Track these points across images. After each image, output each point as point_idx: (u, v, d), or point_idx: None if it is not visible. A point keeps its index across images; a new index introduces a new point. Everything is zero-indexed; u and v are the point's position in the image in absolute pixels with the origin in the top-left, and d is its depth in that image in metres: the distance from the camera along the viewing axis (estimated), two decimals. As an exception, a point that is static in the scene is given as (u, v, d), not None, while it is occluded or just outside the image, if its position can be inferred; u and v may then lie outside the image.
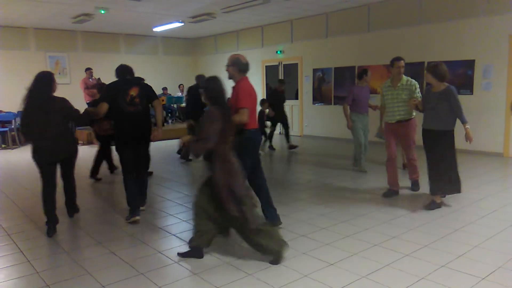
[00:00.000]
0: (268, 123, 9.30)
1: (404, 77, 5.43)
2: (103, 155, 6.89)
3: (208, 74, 12.95)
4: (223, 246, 3.89)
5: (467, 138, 4.78)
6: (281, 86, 9.57)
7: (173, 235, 4.26)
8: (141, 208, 4.95)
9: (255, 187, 4.24)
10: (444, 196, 5.06)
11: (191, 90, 8.18)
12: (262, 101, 9.01)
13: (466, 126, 4.76)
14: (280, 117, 9.32)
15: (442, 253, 3.62)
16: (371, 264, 3.43)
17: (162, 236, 4.25)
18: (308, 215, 4.76)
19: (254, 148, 4.21)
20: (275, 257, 3.49)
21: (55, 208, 4.44)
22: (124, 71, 4.98)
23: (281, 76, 12.68)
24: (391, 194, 5.46)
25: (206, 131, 3.37)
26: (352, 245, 3.83)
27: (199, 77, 8.23)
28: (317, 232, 4.19)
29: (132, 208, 4.69)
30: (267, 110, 8.91)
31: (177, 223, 4.64)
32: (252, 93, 4.09)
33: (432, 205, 4.85)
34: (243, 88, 4.01)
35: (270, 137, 9.47)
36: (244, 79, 4.11)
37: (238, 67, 4.08)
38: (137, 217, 4.65)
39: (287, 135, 9.46)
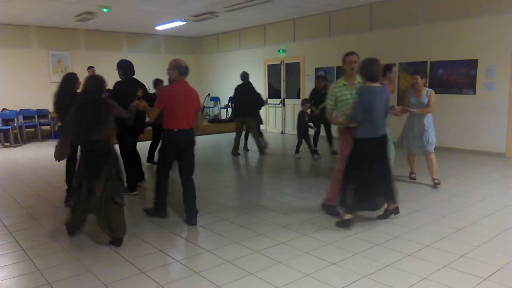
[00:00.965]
0: (311, 124, 8.48)
1: (356, 75, 4.61)
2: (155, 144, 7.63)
3: (210, 72, 12.87)
4: (224, 245, 3.89)
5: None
6: (320, 83, 8.73)
7: (175, 234, 4.26)
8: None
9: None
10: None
11: (240, 89, 8.50)
12: (303, 102, 8.44)
13: (338, 119, 4.52)
14: (320, 118, 8.15)
15: (444, 253, 3.61)
16: (373, 264, 3.42)
17: (163, 235, 4.24)
18: (311, 215, 4.76)
19: (169, 146, 4.50)
20: (115, 240, 3.90)
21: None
22: (130, 70, 5.71)
23: (283, 76, 12.67)
24: (330, 210, 4.74)
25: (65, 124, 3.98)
26: (354, 245, 3.82)
27: (245, 75, 8.74)
28: (319, 232, 4.18)
29: (130, 183, 5.64)
30: (308, 111, 8.29)
31: (178, 221, 4.63)
32: (175, 95, 4.39)
33: (342, 223, 4.30)
34: (165, 90, 4.52)
35: (315, 141, 8.61)
36: (177, 82, 4.50)
37: (179, 71, 4.48)
38: (135, 193, 5.73)
39: (316, 138, 8.68)
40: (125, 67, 5.67)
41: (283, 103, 12.71)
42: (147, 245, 3.94)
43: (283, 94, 12.76)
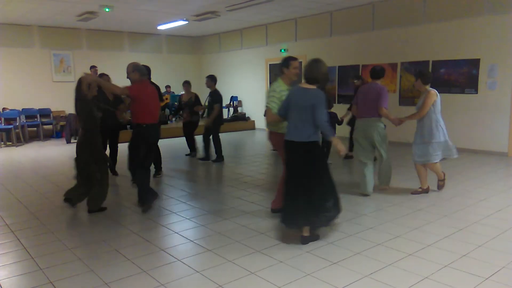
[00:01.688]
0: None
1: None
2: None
3: (212, 72, 12.93)
4: (226, 244, 3.90)
5: None
6: (356, 81, 8.03)
7: (176, 233, 4.26)
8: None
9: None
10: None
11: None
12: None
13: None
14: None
15: (446, 252, 3.60)
16: (374, 263, 3.42)
17: (165, 234, 4.25)
18: (311, 214, 4.75)
19: (151, 138, 5.06)
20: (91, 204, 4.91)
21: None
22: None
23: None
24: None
25: None
26: (355, 244, 3.82)
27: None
28: (320, 231, 4.17)
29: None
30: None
31: (180, 221, 4.64)
32: (144, 91, 4.97)
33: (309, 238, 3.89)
34: (133, 85, 4.98)
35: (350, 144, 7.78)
36: (141, 81, 5.02)
37: (140, 72, 5.00)
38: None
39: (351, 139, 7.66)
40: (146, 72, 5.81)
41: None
42: (149, 244, 3.95)
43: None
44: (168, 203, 5.36)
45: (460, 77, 8.54)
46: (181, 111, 8.87)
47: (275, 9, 10.35)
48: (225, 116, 14.49)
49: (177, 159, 8.47)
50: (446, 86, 8.69)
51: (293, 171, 3.88)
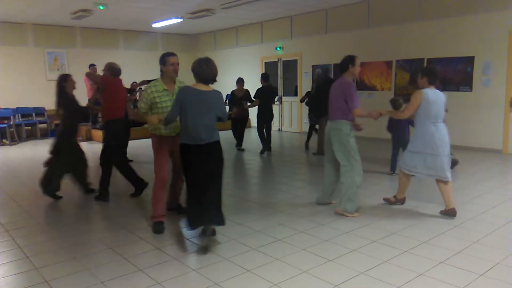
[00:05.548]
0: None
1: (177, 79, 4.35)
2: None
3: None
4: (222, 242, 3.90)
5: None
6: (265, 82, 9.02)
7: (172, 231, 4.25)
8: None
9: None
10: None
11: (322, 87, 8.31)
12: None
13: None
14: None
15: (441, 249, 3.62)
16: (370, 260, 3.43)
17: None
18: (308, 211, 4.77)
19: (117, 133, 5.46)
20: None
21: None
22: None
23: (280, 73, 12.65)
24: (158, 227, 4.20)
25: None
26: (351, 242, 3.84)
27: (322, 76, 8.64)
28: (316, 228, 4.19)
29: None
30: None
31: (176, 219, 4.63)
32: (117, 87, 5.44)
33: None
34: (115, 84, 5.42)
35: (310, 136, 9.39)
36: (118, 80, 5.43)
37: (111, 72, 5.34)
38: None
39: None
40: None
41: (280, 100, 12.71)
42: (144, 242, 3.94)
43: (280, 92, 12.76)
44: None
45: (455, 74, 8.58)
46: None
47: (270, 7, 10.34)
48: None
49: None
50: (441, 83, 8.69)
51: (201, 171, 3.68)
